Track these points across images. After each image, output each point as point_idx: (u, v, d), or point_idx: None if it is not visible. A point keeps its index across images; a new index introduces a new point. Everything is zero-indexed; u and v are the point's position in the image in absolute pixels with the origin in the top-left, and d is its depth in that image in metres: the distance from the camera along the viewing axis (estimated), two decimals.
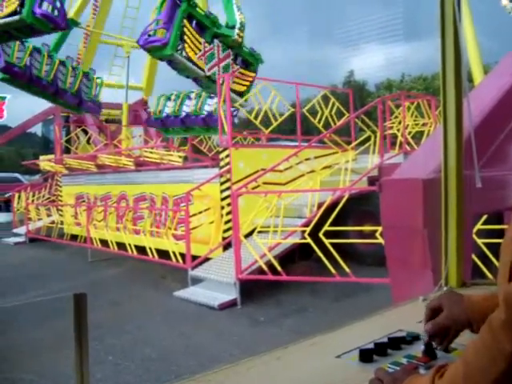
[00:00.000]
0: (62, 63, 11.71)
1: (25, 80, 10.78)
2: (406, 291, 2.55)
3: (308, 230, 5.82)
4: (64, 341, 4.27)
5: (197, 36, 8.21)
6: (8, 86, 11.23)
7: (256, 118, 8.24)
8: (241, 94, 8.86)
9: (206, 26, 8.42)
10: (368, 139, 7.62)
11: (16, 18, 7.47)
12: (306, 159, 7.75)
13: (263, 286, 6.18)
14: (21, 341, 4.83)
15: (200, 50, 8.23)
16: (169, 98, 12.43)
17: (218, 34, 8.60)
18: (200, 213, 7.77)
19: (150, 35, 7.73)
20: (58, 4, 8.06)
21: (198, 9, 8.32)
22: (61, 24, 8.12)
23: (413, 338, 1.37)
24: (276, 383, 1.21)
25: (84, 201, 11.50)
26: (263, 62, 9.31)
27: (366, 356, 1.26)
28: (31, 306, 5.73)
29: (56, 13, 7.98)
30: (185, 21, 8.02)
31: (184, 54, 7.92)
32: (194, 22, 8.25)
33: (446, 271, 2.01)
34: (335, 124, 8.91)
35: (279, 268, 5.81)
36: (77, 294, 0.98)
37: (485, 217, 4.45)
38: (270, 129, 8.75)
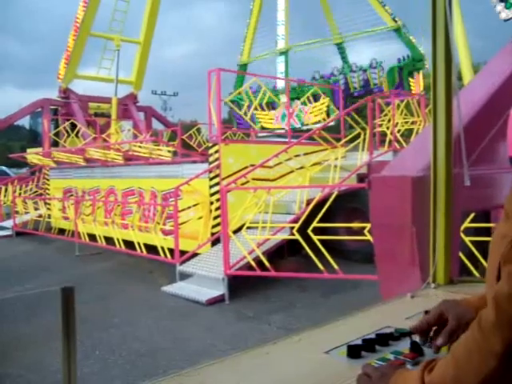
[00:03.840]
0: None
1: None
2: (395, 288, 2.56)
3: (297, 226, 5.83)
4: (51, 334, 4.26)
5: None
6: None
7: (246, 113, 8.23)
8: None
9: None
10: (357, 136, 7.64)
11: None
12: (296, 156, 7.76)
13: (251, 282, 6.18)
14: (8, 335, 4.79)
15: None
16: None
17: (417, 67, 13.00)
18: (189, 208, 7.75)
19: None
20: None
21: None
22: None
23: (400, 335, 1.38)
24: (264, 378, 1.21)
25: (72, 194, 11.42)
26: None
27: (354, 352, 1.27)
28: (18, 299, 5.69)
29: None
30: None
31: None
32: None
33: (434, 268, 2.03)
34: (325, 121, 8.93)
35: (267, 264, 5.82)
36: (65, 287, 0.97)
37: (472, 215, 4.48)
38: (259, 124, 8.74)
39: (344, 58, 15.90)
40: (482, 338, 0.73)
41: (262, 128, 12.53)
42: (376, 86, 13.93)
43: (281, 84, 12.86)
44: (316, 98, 12.26)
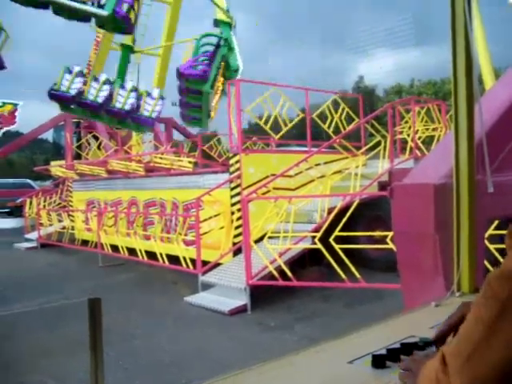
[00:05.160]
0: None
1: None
2: (418, 297, 2.53)
3: (318, 235, 5.80)
4: (75, 344, 4.30)
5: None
6: (19, 93, 11.49)
7: (266, 123, 8.23)
8: None
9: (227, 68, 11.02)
10: (378, 144, 7.60)
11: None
12: (316, 164, 7.74)
13: (273, 292, 6.17)
14: (33, 344, 4.86)
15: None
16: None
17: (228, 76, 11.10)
18: (210, 218, 7.78)
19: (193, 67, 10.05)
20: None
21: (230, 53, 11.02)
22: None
23: (425, 344, 1.36)
24: None
25: (95, 206, 11.57)
26: None
27: (378, 361, 1.25)
28: (42, 309, 5.77)
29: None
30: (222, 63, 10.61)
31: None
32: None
33: (459, 277, 2.00)
34: (345, 129, 8.91)
35: (289, 273, 5.80)
36: (92, 298, 0.98)
37: (496, 222, 4.41)
38: (279, 134, 8.75)
39: None
40: (476, 308, 0.82)
41: None
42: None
43: None
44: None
